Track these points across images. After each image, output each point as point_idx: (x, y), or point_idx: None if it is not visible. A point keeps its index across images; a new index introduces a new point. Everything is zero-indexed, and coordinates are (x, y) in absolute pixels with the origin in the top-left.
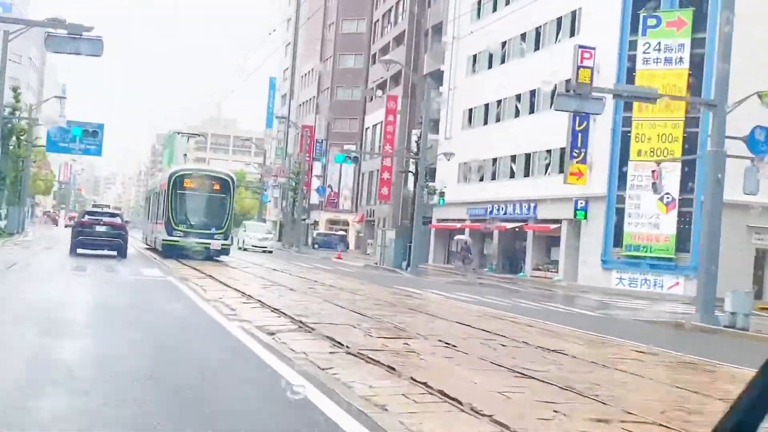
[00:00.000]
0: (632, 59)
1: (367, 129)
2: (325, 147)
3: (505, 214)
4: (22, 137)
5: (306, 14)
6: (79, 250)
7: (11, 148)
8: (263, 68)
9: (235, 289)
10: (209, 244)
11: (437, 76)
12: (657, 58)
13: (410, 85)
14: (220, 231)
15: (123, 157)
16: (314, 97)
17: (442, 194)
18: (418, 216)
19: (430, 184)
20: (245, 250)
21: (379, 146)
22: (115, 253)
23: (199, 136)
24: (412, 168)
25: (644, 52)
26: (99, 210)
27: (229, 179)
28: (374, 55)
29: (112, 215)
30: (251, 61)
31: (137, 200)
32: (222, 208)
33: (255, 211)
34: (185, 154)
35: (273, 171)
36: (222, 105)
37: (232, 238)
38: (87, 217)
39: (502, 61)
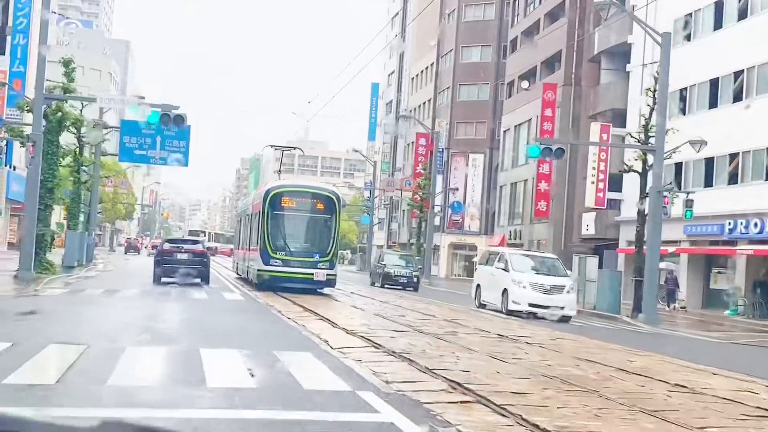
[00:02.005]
0: None
1: (506, 131)
2: (446, 157)
3: (760, 232)
4: (72, 128)
5: (416, 7)
6: (163, 279)
7: (62, 148)
8: (354, 85)
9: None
10: (312, 274)
11: (617, 54)
12: None
13: (573, 70)
14: (324, 258)
15: (207, 186)
16: (429, 100)
17: (689, 203)
18: (655, 235)
19: (676, 190)
20: (383, 286)
21: (526, 149)
22: (198, 279)
23: (294, 149)
24: (625, 166)
25: None
26: (180, 237)
27: (334, 197)
28: (513, 41)
29: (194, 242)
30: (340, 79)
31: (222, 226)
32: (327, 230)
33: (352, 235)
34: (279, 170)
35: (396, 184)
36: (310, 126)
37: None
38: (168, 245)
39: (742, 17)
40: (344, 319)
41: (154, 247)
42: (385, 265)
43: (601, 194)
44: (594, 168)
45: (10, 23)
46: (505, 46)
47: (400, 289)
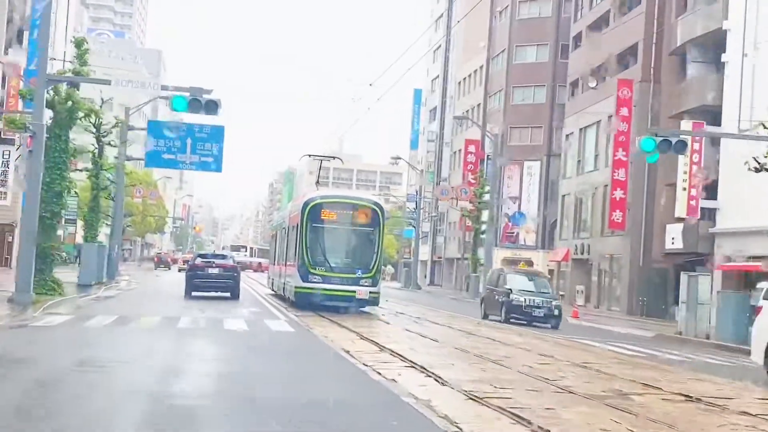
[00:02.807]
0: None
1: (569, 135)
2: (498, 165)
3: None
4: (86, 120)
5: (463, 6)
6: (194, 293)
7: (73, 144)
8: (391, 95)
9: None
10: (354, 291)
11: (706, 44)
12: None
13: (651, 64)
14: (367, 275)
15: (240, 200)
16: (479, 104)
17: None
18: None
19: None
20: (507, 321)
21: (594, 155)
22: (228, 294)
23: (333, 158)
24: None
25: None
26: (211, 253)
27: (377, 208)
28: (576, 36)
29: (224, 257)
30: (377, 88)
31: (255, 241)
32: (370, 244)
33: (392, 249)
34: (317, 181)
35: (450, 192)
36: (344, 139)
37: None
38: (199, 260)
39: None
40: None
41: (185, 262)
42: (510, 290)
43: (693, 202)
44: (685, 173)
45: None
46: (563, 44)
47: (531, 325)
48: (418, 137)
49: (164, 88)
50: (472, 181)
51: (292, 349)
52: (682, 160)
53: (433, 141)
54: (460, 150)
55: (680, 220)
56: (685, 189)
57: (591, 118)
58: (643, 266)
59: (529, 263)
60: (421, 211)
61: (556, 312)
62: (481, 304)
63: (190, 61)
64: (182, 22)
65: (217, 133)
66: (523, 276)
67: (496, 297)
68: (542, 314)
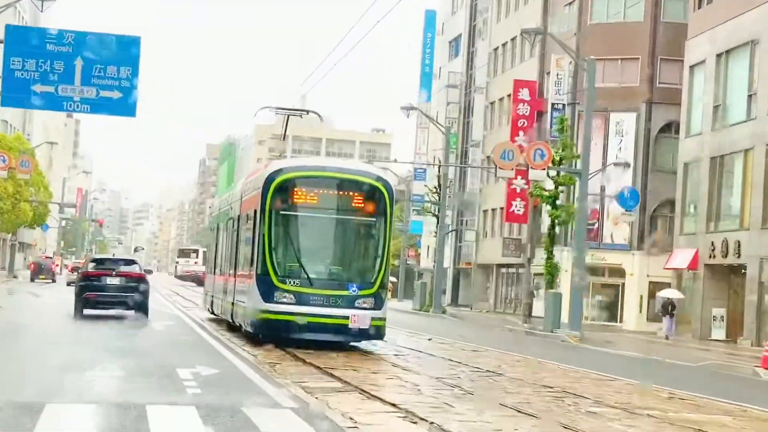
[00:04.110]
0: None
1: (695, 66)
2: (563, 119)
3: None
4: None
5: None
6: (86, 311)
7: None
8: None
9: None
10: (347, 318)
11: None
12: None
13: None
14: (368, 291)
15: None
16: (537, 25)
17: None
18: None
19: None
20: None
21: (748, 96)
22: (132, 312)
23: (307, 112)
24: None
25: None
26: (110, 257)
27: (382, 186)
28: None
29: (129, 262)
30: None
31: (179, 240)
32: (371, 243)
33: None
34: (283, 136)
35: (517, 155)
36: (307, 97)
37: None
38: (93, 266)
39: None
40: None
41: (74, 270)
42: None
43: None
44: None
45: None
46: None
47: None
48: (431, 82)
49: None
50: (553, 138)
51: None
52: None
53: (456, 86)
54: (501, 99)
55: None
56: None
57: (740, 36)
58: None
59: (618, 272)
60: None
61: None
62: None
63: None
64: None
65: (127, 48)
66: None
67: None
68: None
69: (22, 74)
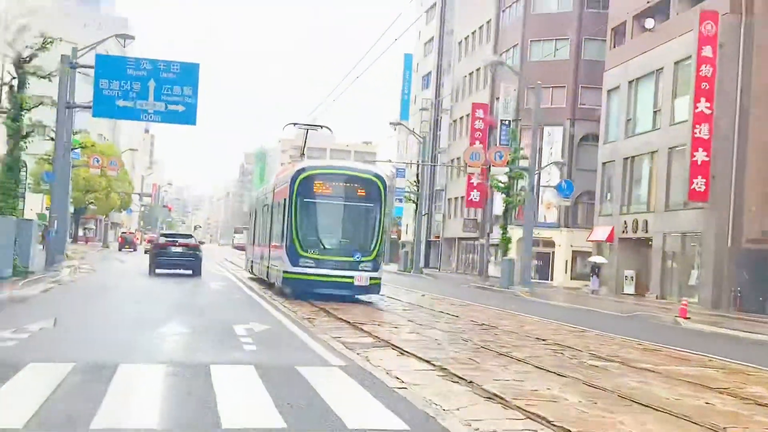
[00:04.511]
0: None
1: (612, 91)
2: (514, 130)
3: None
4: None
5: None
6: (158, 270)
7: None
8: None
9: None
10: (352, 278)
11: None
12: None
13: None
14: (367, 257)
15: (211, 183)
16: (486, 66)
17: None
18: None
19: None
20: None
21: (653, 112)
22: (190, 271)
23: (321, 127)
24: None
25: None
26: (174, 232)
27: (379, 180)
28: None
29: (188, 236)
30: (359, 66)
31: (226, 221)
32: (370, 222)
33: None
34: (302, 153)
35: (481, 157)
36: (317, 118)
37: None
38: (163, 239)
39: None
40: None
41: (149, 242)
42: None
43: None
44: None
45: None
46: None
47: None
48: (409, 106)
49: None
50: (503, 145)
51: None
52: None
53: (427, 109)
54: (461, 118)
55: None
56: None
57: (646, 67)
58: (732, 248)
59: (549, 243)
60: (410, 186)
61: None
62: None
63: (161, 33)
64: None
65: (189, 73)
66: None
67: None
68: None
69: (109, 92)
